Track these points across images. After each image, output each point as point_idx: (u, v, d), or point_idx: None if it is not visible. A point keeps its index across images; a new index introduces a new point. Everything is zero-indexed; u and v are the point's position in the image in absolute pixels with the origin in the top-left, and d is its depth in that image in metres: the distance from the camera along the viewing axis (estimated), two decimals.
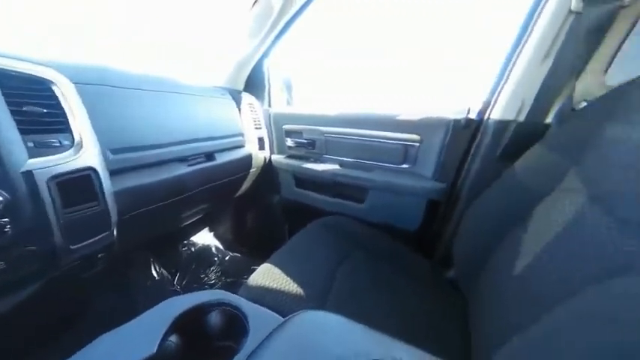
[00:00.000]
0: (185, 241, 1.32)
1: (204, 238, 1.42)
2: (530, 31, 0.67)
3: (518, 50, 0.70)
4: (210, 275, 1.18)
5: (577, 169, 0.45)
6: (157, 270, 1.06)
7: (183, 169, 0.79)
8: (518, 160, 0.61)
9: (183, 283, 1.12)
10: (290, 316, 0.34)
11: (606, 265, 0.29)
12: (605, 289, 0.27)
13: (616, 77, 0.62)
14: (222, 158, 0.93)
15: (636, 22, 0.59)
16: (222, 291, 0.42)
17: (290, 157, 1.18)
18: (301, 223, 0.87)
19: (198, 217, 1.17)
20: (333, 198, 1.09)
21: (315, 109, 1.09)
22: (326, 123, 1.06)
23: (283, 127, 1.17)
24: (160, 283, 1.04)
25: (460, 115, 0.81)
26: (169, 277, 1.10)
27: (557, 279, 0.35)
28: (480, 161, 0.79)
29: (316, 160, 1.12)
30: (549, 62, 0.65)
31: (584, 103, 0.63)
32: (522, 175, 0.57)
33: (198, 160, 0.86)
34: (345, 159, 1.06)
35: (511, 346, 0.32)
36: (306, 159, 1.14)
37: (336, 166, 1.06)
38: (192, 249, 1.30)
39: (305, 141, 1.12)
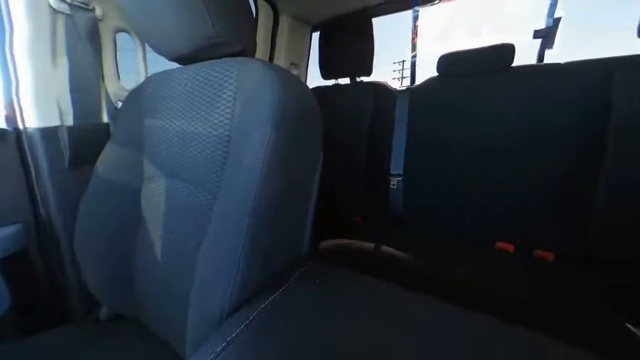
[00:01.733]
0: None
1: None
2: (11, 28, 0.57)
3: (7, 49, 0.58)
4: None
5: (146, 158, 0.55)
6: None
7: None
8: (97, 162, 0.59)
9: None
10: None
11: (204, 215, 0.43)
12: (209, 229, 0.41)
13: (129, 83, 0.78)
14: None
15: (115, 36, 0.74)
16: None
17: None
18: None
19: None
20: None
21: None
22: None
23: None
24: None
25: None
26: None
27: (182, 248, 0.46)
28: (50, 177, 0.64)
29: None
30: (64, 64, 0.63)
31: (120, 103, 0.74)
32: (112, 176, 0.58)
33: None
34: None
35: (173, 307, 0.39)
36: None
37: None
38: None
39: None
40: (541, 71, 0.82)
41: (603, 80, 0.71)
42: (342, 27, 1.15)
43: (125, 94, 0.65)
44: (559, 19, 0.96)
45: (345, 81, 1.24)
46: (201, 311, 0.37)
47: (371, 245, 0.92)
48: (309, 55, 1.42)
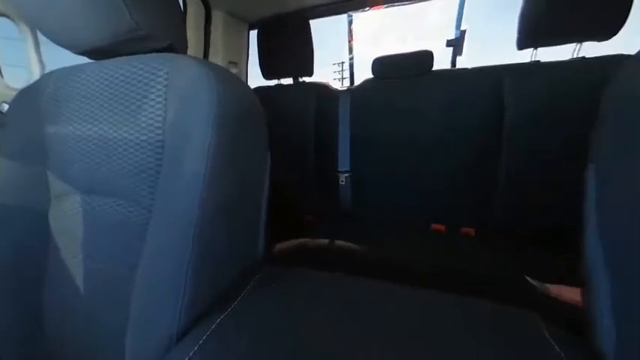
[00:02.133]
0: None
1: None
2: None
3: None
4: None
5: (52, 173, 0.45)
6: None
7: None
8: None
9: None
10: None
11: (137, 233, 0.38)
12: (145, 248, 0.36)
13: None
14: None
15: None
16: None
17: None
18: None
19: None
20: None
21: None
22: None
23: None
24: None
25: None
26: None
27: (111, 274, 0.40)
28: None
29: None
30: None
31: (6, 106, 0.59)
32: (2, 198, 0.45)
33: None
34: None
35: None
36: None
37: None
38: None
39: None
40: (453, 75, 0.96)
41: (496, 85, 0.87)
42: (282, 26, 1.14)
43: (12, 94, 0.52)
44: (464, 31, 1.14)
45: (287, 81, 1.23)
46: (144, 341, 0.33)
47: (325, 242, 0.94)
48: (248, 53, 1.37)
